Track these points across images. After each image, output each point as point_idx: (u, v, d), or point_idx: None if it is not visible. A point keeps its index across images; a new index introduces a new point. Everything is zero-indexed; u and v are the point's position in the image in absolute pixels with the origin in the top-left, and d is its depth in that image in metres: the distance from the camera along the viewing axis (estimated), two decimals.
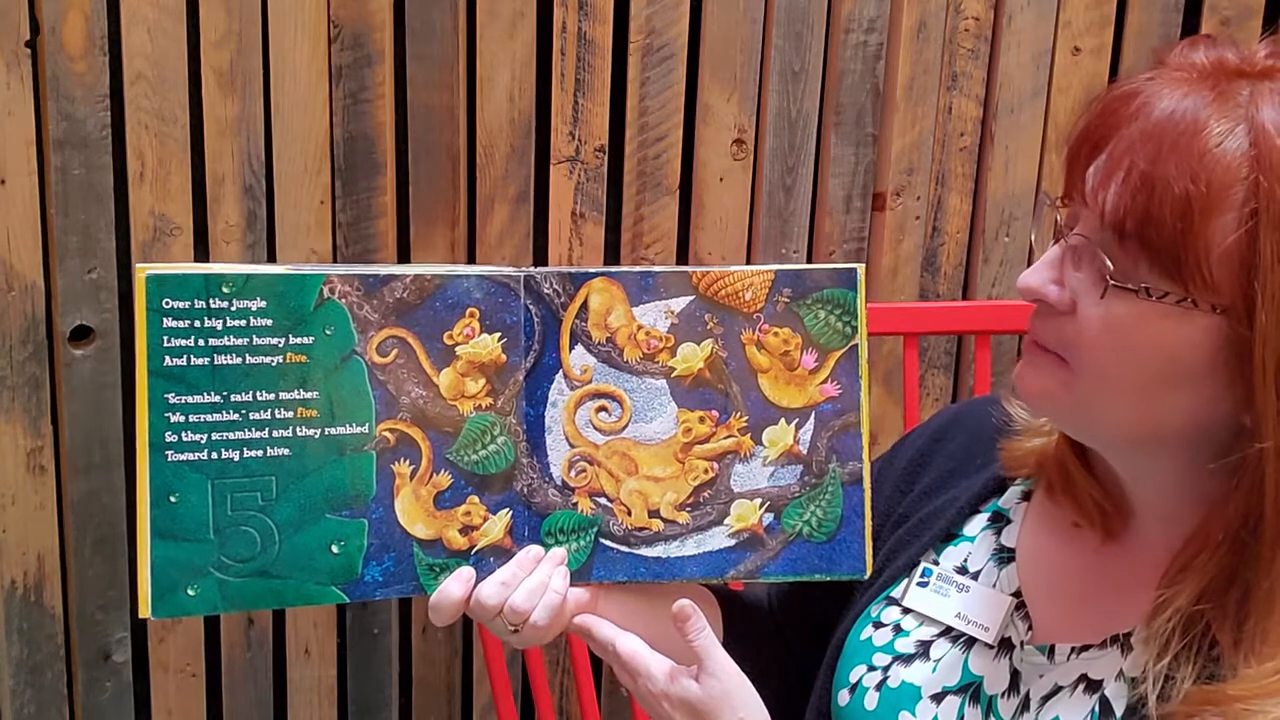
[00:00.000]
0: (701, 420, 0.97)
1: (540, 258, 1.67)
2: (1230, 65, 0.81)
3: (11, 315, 1.46)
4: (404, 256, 1.62)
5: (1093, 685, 0.86)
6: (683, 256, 1.73)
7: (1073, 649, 0.88)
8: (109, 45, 1.44)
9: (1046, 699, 0.88)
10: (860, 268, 0.97)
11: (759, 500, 0.97)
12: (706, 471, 0.97)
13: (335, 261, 1.58)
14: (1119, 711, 0.84)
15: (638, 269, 0.97)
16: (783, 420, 0.97)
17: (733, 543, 0.97)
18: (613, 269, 0.97)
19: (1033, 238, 0.90)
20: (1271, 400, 0.77)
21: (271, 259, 1.56)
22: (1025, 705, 0.89)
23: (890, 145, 1.76)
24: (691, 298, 0.96)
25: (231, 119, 1.50)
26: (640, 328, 0.96)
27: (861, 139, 1.75)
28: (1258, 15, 1.85)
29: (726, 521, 0.97)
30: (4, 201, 1.44)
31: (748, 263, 1.74)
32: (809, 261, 1.77)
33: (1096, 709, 0.85)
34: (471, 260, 1.64)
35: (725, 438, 0.97)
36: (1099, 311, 0.80)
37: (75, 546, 1.53)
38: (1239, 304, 0.76)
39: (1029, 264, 0.90)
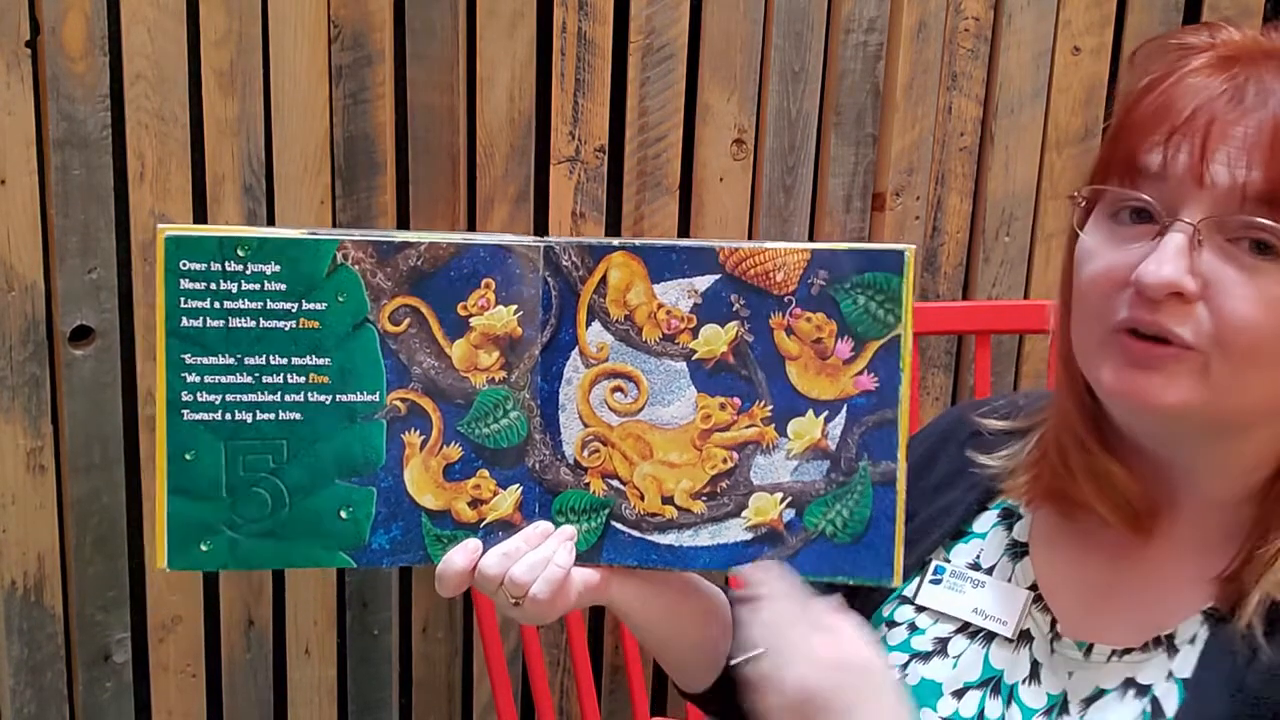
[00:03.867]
0: (722, 407, 0.91)
1: None
2: (1264, 46, 0.83)
3: (11, 315, 1.46)
4: None
5: (1141, 690, 0.86)
6: None
7: (1113, 652, 0.88)
8: (109, 45, 1.44)
9: (1090, 701, 0.88)
10: (910, 249, 0.89)
11: (780, 495, 0.92)
12: (725, 461, 0.92)
13: None
14: (1170, 712, 0.84)
15: (662, 242, 0.91)
16: (811, 412, 0.91)
17: (749, 536, 0.92)
18: (635, 240, 0.92)
19: (1105, 215, 0.87)
20: None
21: None
22: (1064, 708, 0.88)
23: (890, 145, 1.76)
24: (717, 276, 0.90)
25: (231, 119, 1.50)
26: (661, 306, 0.91)
27: (861, 139, 1.75)
28: (1257, 15, 1.85)
29: (744, 514, 0.92)
30: (4, 201, 1.43)
31: None
32: None
33: (1148, 710, 0.85)
34: None
35: (747, 426, 0.92)
36: (1250, 290, 0.79)
37: (75, 546, 1.53)
38: None
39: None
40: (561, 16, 1.59)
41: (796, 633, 0.84)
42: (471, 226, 1.63)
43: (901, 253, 0.88)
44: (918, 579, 0.99)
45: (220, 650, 1.63)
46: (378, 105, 1.55)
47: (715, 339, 0.91)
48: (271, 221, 1.54)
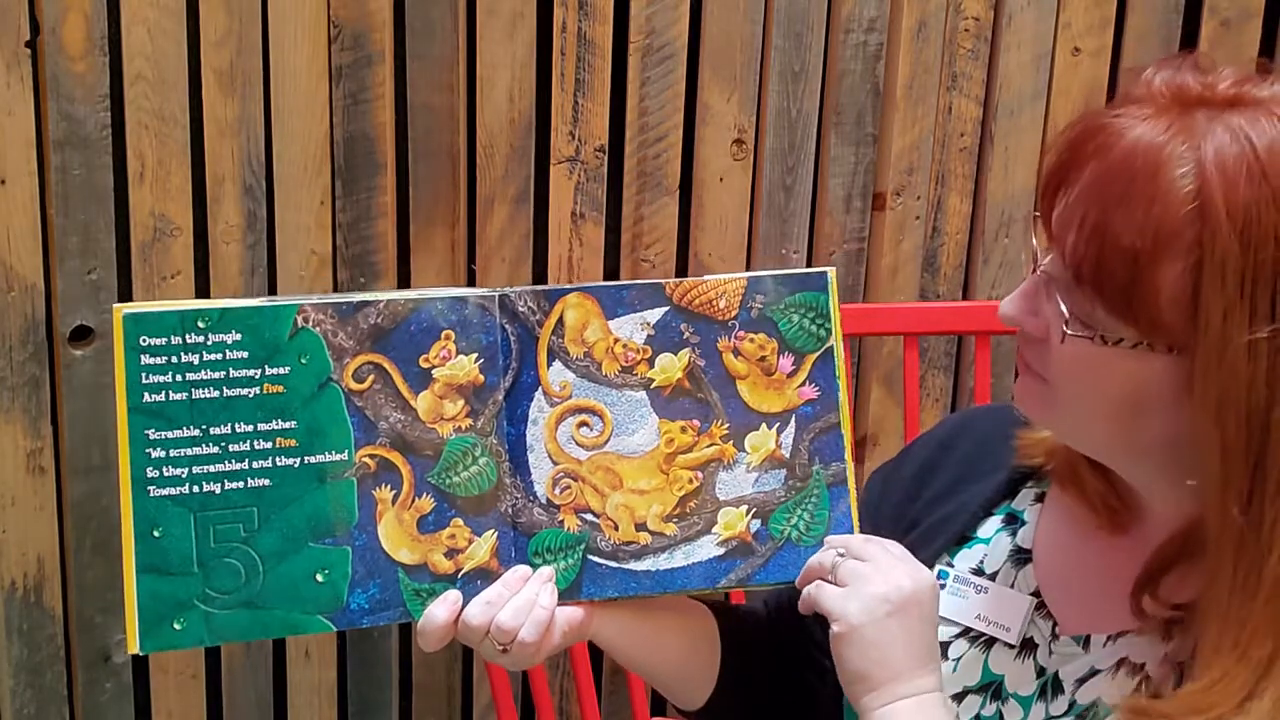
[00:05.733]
0: (683, 430, 0.96)
1: (540, 258, 1.67)
2: (1192, 94, 0.81)
3: (11, 315, 1.46)
4: (404, 257, 1.62)
5: (1135, 668, 0.88)
6: (683, 257, 1.73)
7: (1109, 637, 0.90)
8: (109, 45, 1.44)
9: (1082, 681, 0.89)
10: (831, 271, 0.98)
11: (745, 507, 0.96)
12: (691, 481, 0.96)
13: (335, 262, 1.59)
14: (1166, 694, 0.85)
15: (611, 284, 0.97)
16: (764, 425, 0.97)
17: (722, 551, 0.96)
18: (586, 284, 0.97)
19: (1024, 258, 0.93)
20: (1211, 433, 0.79)
21: (272, 259, 1.56)
22: (1059, 688, 0.90)
23: (890, 145, 1.76)
24: (666, 308, 0.96)
25: (231, 119, 1.50)
26: (617, 340, 0.96)
27: (861, 139, 1.75)
28: (1257, 16, 1.85)
29: (714, 530, 0.96)
30: (4, 201, 1.43)
31: (748, 263, 1.75)
32: (809, 262, 1.77)
33: (1144, 687, 0.86)
34: (471, 260, 1.64)
35: (707, 446, 0.96)
36: (1066, 348, 0.83)
37: (75, 548, 1.53)
38: (1190, 343, 0.79)
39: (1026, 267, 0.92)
40: (561, 16, 1.59)
41: (886, 551, 0.91)
42: (472, 227, 1.63)
43: (825, 273, 0.98)
44: None
45: (220, 651, 1.63)
46: (378, 105, 1.55)
47: (670, 367, 0.96)
48: (271, 221, 1.55)
